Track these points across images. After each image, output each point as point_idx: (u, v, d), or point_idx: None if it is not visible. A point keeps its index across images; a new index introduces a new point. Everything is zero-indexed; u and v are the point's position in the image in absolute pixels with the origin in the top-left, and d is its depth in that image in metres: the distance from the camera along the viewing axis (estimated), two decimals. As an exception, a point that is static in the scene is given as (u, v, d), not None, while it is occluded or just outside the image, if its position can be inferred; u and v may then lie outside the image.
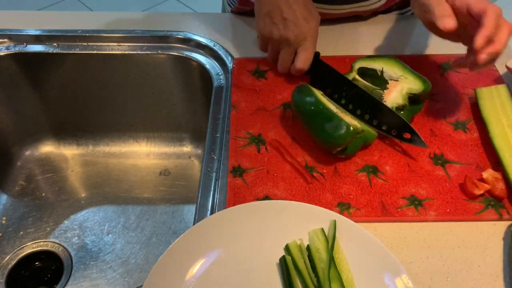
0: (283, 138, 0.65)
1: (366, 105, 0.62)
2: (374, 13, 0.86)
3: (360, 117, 0.63)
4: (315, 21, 0.68)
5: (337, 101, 0.65)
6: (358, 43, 0.81)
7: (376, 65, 0.67)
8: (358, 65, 0.68)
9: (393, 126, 0.61)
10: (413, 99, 0.63)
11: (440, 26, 0.56)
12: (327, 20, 0.85)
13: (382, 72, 0.66)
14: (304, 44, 0.68)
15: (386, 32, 0.83)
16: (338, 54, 0.78)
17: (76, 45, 0.83)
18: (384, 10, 0.87)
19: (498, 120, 0.63)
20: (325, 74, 0.69)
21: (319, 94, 0.62)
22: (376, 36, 0.82)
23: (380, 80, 0.66)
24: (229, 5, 0.90)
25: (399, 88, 0.63)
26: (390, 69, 0.66)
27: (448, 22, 0.56)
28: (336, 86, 0.66)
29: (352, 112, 0.63)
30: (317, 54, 0.70)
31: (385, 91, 0.64)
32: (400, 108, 0.62)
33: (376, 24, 0.85)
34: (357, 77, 0.68)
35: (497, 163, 0.61)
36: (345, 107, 0.64)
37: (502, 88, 0.66)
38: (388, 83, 0.65)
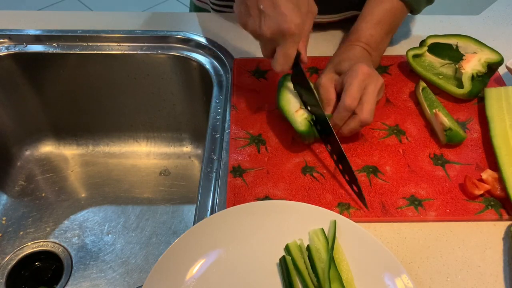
0: (283, 138, 0.65)
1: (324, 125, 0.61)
2: None
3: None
4: (302, 17, 0.55)
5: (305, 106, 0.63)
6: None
7: (450, 41, 0.72)
8: (430, 40, 0.73)
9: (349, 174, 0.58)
10: (489, 69, 0.68)
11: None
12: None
13: (457, 46, 0.71)
14: (284, 45, 0.56)
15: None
16: (338, 54, 0.79)
17: (76, 45, 0.83)
18: None
19: (502, 120, 0.63)
20: (300, 78, 0.63)
21: (284, 92, 0.65)
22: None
23: (455, 53, 0.71)
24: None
25: (477, 58, 0.69)
26: (465, 43, 0.71)
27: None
28: (306, 97, 0.64)
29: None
30: (297, 55, 0.60)
31: (461, 62, 0.70)
32: (480, 75, 0.68)
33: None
34: (427, 52, 0.73)
35: (495, 163, 0.61)
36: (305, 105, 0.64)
37: (511, 90, 0.66)
38: (464, 55, 0.70)
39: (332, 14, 0.82)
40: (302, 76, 0.61)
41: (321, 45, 0.81)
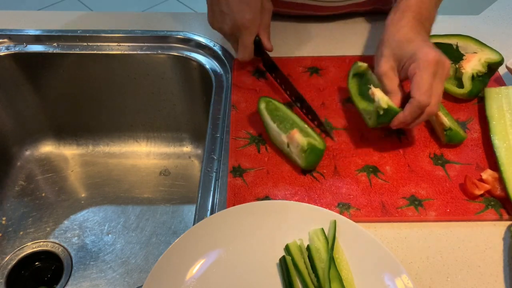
0: (283, 138, 0.65)
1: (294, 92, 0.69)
2: (375, 12, 0.86)
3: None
4: (254, 13, 0.67)
5: (280, 84, 0.72)
6: (359, 42, 0.81)
7: (451, 41, 0.72)
8: (431, 40, 0.72)
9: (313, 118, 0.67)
10: (489, 69, 0.68)
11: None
12: (327, 17, 0.85)
13: (457, 46, 0.71)
14: (241, 37, 0.69)
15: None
16: (338, 54, 0.79)
17: (76, 45, 0.83)
18: (383, 9, 0.87)
19: (502, 119, 0.63)
20: (269, 62, 0.73)
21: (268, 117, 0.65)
22: (377, 35, 0.82)
23: (456, 53, 0.71)
24: None
25: (477, 58, 0.68)
26: (465, 43, 0.71)
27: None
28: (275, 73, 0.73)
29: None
30: (257, 41, 0.71)
31: (461, 62, 0.69)
32: (480, 75, 0.67)
33: (377, 23, 0.85)
34: None
35: (495, 163, 0.61)
36: (285, 91, 0.71)
37: (511, 89, 0.66)
38: (464, 55, 0.70)
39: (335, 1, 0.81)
40: (270, 62, 0.72)
41: (323, 45, 0.81)
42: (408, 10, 0.62)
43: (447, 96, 0.70)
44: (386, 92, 0.60)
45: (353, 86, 0.67)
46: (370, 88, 0.59)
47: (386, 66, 0.61)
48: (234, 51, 0.77)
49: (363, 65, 0.67)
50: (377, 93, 0.58)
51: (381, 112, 0.58)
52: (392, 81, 0.60)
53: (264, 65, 0.74)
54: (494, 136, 0.61)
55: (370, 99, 0.61)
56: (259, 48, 0.71)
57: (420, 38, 0.60)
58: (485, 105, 0.66)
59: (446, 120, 0.62)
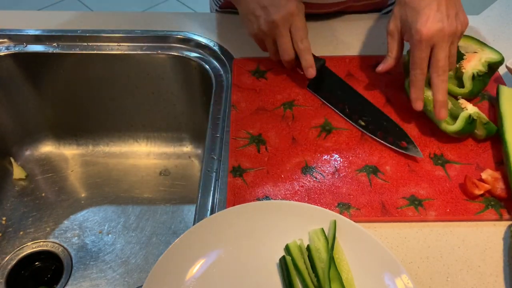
0: (283, 138, 0.65)
1: (366, 111, 0.67)
2: (373, 9, 0.86)
3: (355, 122, 0.66)
4: (295, 2, 0.66)
5: (334, 106, 0.69)
6: (359, 42, 0.81)
7: None
8: None
9: (392, 134, 0.64)
10: (489, 68, 0.68)
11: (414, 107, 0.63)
12: (327, 17, 0.85)
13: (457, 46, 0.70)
14: (295, 23, 0.66)
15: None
16: (338, 54, 0.78)
17: (76, 45, 0.83)
18: (381, 7, 0.87)
19: None
20: (325, 78, 0.71)
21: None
22: (377, 35, 0.82)
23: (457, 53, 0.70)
24: (215, 3, 0.90)
25: (478, 57, 0.68)
26: (465, 43, 0.70)
27: (418, 105, 0.63)
28: (335, 91, 0.70)
29: (348, 117, 0.67)
30: (322, 61, 0.70)
31: (462, 61, 0.69)
32: (480, 74, 0.67)
33: (376, 23, 0.85)
34: None
35: (498, 163, 0.61)
36: (342, 111, 0.68)
37: None
38: (464, 55, 0.70)
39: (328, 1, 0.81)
40: (331, 74, 0.71)
41: (323, 45, 0.81)
42: None
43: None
44: (387, 50, 0.64)
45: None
46: (459, 98, 0.65)
47: (392, 25, 0.63)
48: (272, 55, 0.72)
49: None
50: (469, 106, 0.63)
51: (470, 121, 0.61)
52: (393, 42, 0.63)
53: (313, 84, 0.71)
54: (505, 132, 0.61)
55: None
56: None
57: (423, 4, 0.59)
58: (498, 101, 0.66)
59: (484, 116, 0.63)
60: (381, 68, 0.65)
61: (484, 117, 0.63)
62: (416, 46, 0.59)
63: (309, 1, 0.81)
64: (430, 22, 0.58)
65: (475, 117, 0.61)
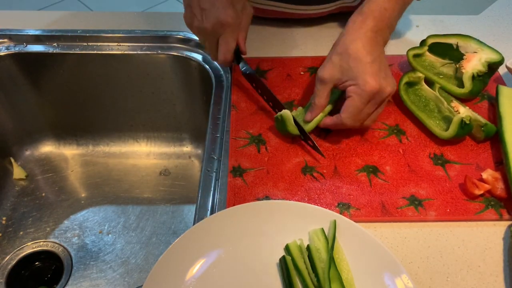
0: (283, 138, 0.65)
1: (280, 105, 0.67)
2: None
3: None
4: (237, 12, 0.65)
5: (261, 95, 0.70)
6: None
7: (451, 40, 0.72)
8: (431, 40, 0.72)
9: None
10: (489, 68, 0.68)
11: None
12: (327, 17, 0.85)
13: (457, 45, 0.71)
14: (224, 35, 0.66)
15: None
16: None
17: (76, 45, 0.83)
18: None
19: None
20: (248, 70, 0.70)
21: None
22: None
23: (456, 53, 0.71)
24: None
25: (478, 57, 0.68)
26: (465, 43, 0.71)
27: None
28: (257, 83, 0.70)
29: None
30: (236, 48, 0.68)
31: (462, 61, 0.69)
32: (480, 74, 0.67)
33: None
34: (427, 53, 0.73)
35: (497, 163, 0.61)
36: (267, 102, 0.69)
37: None
38: (464, 55, 0.70)
39: (319, 5, 0.81)
40: (250, 71, 0.69)
41: (323, 45, 0.81)
42: (370, 17, 0.61)
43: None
44: (313, 103, 0.63)
45: (404, 93, 0.68)
46: (452, 101, 0.65)
47: (328, 73, 0.61)
48: (212, 54, 0.70)
49: (421, 76, 0.69)
50: (461, 109, 0.64)
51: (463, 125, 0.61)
52: (324, 90, 0.62)
53: (243, 74, 0.70)
54: (505, 132, 0.61)
55: (428, 109, 0.66)
56: (237, 54, 0.69)
57: (369, 58, 0.59)
58: (498, 102, 0.66)
59: (481, 118, 0.63)
60: (309, 117, 0.63)
61: (480, 119, 0.63)
62: (358, 95, 0.58)
63: (288, 10, 0.81)
64: (373, 81, 0.58)
65: (467, 121, 0.61)
